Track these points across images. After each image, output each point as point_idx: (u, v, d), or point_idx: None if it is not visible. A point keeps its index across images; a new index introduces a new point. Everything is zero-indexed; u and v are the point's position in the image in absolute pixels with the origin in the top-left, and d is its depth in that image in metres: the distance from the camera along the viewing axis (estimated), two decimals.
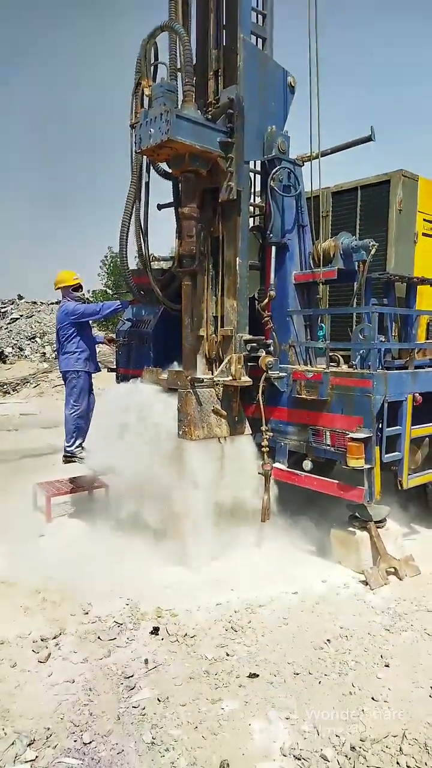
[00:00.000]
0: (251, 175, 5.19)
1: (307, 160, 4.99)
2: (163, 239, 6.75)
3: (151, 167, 5.28)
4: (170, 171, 5.04)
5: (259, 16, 5.12)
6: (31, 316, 22.64)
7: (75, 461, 5.80)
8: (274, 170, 4.82)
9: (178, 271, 4.76)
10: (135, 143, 4.73)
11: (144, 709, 2.81)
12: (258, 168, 5.29)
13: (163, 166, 5.20)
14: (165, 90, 4.34)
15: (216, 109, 4.75)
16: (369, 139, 4.95)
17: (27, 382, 16.66)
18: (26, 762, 2.45)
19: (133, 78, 5.01)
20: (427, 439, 5.03)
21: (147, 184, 5.22)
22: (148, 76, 4.86)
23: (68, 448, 5.83)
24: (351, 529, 4.43)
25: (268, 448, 4.67)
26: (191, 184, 4.61)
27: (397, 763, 2.44)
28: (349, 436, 4.17)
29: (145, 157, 4.92)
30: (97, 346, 6.45)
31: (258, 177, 5.37)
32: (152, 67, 4.98)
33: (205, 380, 4.68)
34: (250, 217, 5.21)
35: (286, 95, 5.12)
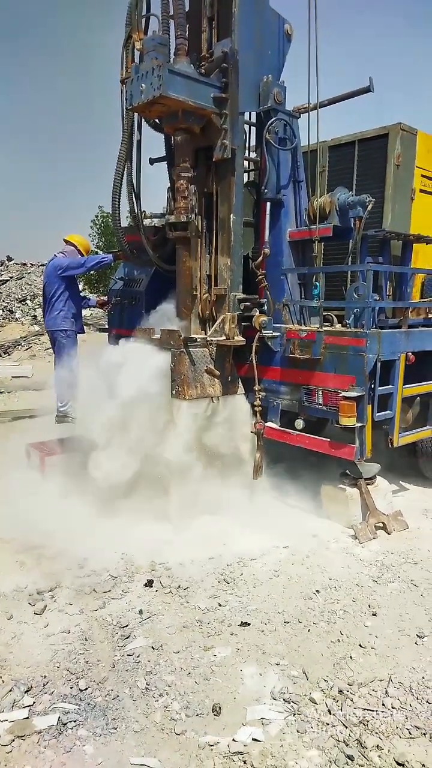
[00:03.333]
0: (246, 127, 5.04)
1: (304, 111, 4.84)
2: (156, 195, 6.60)
3: (143, 120, 5.10)
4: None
5: None
6: (21, 278, 22.28)
7: (67, 421, 5.80)
8: (270, 122, 4.69)
9: (171, 235, 4.66)
10: (126, 99, 4.56)
11: (138, 656, 2.89)
12: (253, 120, 5.14)
13: None
14: (157, 44, 4.17)
15: (210, 63, 4.56)
16: (368, 90, 4.80)
17: (18, 345, 16.52)
18: (24, 707, 2.52)
19: (123, 30, 4.79)
20: (418, 398, 5.07)
21: (139, 142, 5.01)
22: (139, 29, 4.65)
23: (61, 409, 5.83)
24: (341, 485, 4.49)
25: (260, 408, 4.69)
26: (184, 143, 4.48)
27: (383, 704, 2.54)
28: (341, 394, 4.18)
29: (136, 113, 4.75)
30: (88, 309, 6.39)
31: (253, 130, 5.22)
32: (143, 19, 4.75)
33: (198, 340, 4.65)
34: (245, 172, 5.08)
35: (283, 44, 4.94)
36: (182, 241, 4.68)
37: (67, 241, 6.04)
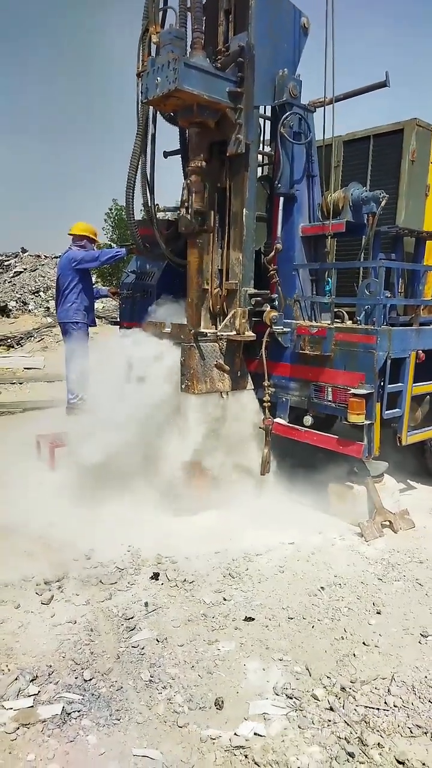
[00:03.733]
0: (260, 121, 5.01)
1: (319, 105, 4.79)
2: (170, 188, 6.58)
3: (158, 113, 5.08)
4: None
5: None
6: (35, 270, 22.41)
7: (78, 413, 5.83)
8: (285, 116, 4.65)
9: (184, 230, 4.66)
10: (141, 93, 4.54)
11: (143, 649, 2.91)
12: (268, 114, 5.10)
13: None
14: (173, 37, 4.14)
15: (226, 57, 4.54)
16: (384, 84, 4.75)
17: (31, 336, 16.64)
18: (29, 696, 2.56)
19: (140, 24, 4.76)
20: (427, 396, 5.04)
21: (153, 135, 4.99)
22: (156, 22, 4.62)
23: (71, 400, 5.87)
24: (349, 483, 4.49)
25: (269, 403, 4.68)
26: (199, 137, 4.46)
27: (385, 702, 2.54)
28: (350, 391, 4.17)
29: (151, 107, 4.73)
30: (100, 299, 6.41)
31: (268, 123, 5.18)
32: (160, 12, 4.73)
33: (208, 334, 4.65)
34: (258, 166, 5.05)
35: (299, 37, 4.89)
36: (194, 237, 4.67)
37: (75, 236, 6.04)
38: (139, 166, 4.97)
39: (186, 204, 4.67)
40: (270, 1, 4.60)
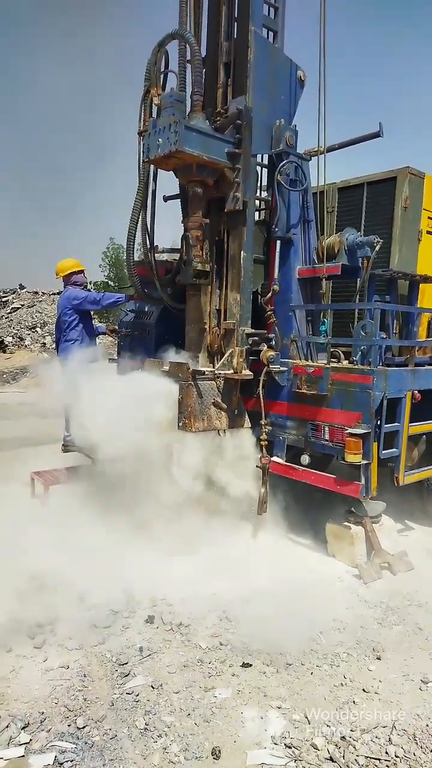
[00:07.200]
0: (258, 168, 5.19)
1: (314, 154, 4.98)
2: (168, 228, 6.72)
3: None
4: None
5: (271, 9, 5.10)
6: (32, 306, 22.59)
7: (73, 450, 5.81)
8: (281, 164, 4.82)
9: (181, 282, 4.76)
10: (143, 152, 4.72)
11: (138, 695, 2.84)
12: (265, 162, 5.29)
13: None
14: (174, 100, 4.34)
15: (224, 119, 4.74)
16: (377, 135, 4.94)
17: (27, 372, 16.66)
18: (20, 745, 2.48)
19: (142, 85, 4.95)
20: (424, 436, 5.06)
21: (154, 192, 5.14)
22: (157, 84, 4.83)
23: (67, 438, 5.85)
24: (346, 523, 4.46)
25: (266, 442, 4.69)
26: (198, 195, 4.62)
27: (386, 752, 2.48)
28: (347, 431, 4.19)
29: (152, 165, 4.90)
30: (97, 337, 6.44)
31: (265, 171, 5.36)
32: (162, 76, 4.93)
33: (206, 373, 4.69)
34: (256, 210, 5.20)
35: (296, 89, 5.11)
36: (192, 288, 4.79)
37: (65, 276, 6.08)
38: (140, 221, 5.08)
39: (185, 257, 4.78)
40: (267, 54, 4.83)
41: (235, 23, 4.90)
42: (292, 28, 5.30)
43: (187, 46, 4.56)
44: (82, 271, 6.09)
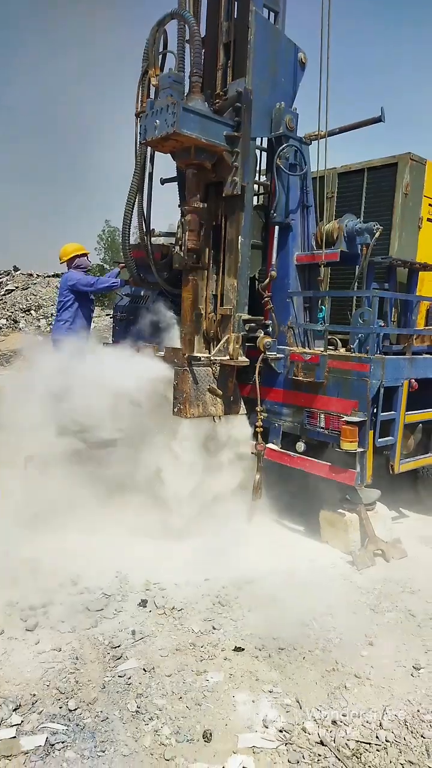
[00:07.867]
0: (257, 152, 5.11)
1: (315, 138, 4.91)
2: (166, 211, 6.64)
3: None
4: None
5: None
6: (26, 288, 22.39)
7: (67, 434, 5.77)
8: (281, 148, 4.75)
9: (180, 268, 4.70)
10: (140, 133, 4.62)
11: (130, 678, 2.84)
12: (265, 145, 5.21)
13: None
14: (172, 81, 4.25)
15: (223, 101, 4.65)
16: (379, 119, 4.87)
17: (20, 354, 16.55)
18: (11, 726, 2.48)
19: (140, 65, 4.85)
20: (420, 425, 5.06)
21: (150, 174, 5.07)
22: (155, 65, 4.72)
23: (61, 422, 5.81)
24: (340, 510, 4.46)
25: (261, 429, 4.68)
26: (196, 178, 4.54)
27: (377, 737, 2.49)
28: (343, 419, 4.17)
29: (149, 147, 4.82)
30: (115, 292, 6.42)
31: (264, 154, 5.29)
32: (160, 56, 4.83)
33: (202, 359, 4.66)
34: (254, 195, 5.13)
35: (297, 72, 5.03)
36: (189, 272, 4.73)
37: (68, 260, 6.05)
38: (136, 204, 5.01)
39: (181, 242, 4.72)
40: (268, 36, 4.74)
41: (236, 3, 4.80)
42: (293, 8, 5.22)
43: (186, 25, 4.46)
44: (85, 255, 6.11)
